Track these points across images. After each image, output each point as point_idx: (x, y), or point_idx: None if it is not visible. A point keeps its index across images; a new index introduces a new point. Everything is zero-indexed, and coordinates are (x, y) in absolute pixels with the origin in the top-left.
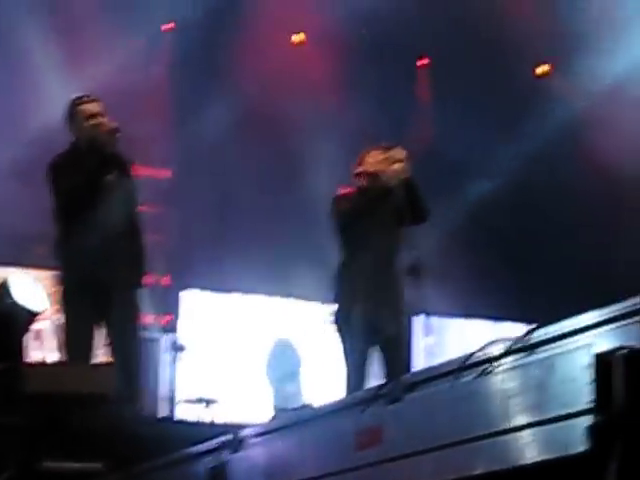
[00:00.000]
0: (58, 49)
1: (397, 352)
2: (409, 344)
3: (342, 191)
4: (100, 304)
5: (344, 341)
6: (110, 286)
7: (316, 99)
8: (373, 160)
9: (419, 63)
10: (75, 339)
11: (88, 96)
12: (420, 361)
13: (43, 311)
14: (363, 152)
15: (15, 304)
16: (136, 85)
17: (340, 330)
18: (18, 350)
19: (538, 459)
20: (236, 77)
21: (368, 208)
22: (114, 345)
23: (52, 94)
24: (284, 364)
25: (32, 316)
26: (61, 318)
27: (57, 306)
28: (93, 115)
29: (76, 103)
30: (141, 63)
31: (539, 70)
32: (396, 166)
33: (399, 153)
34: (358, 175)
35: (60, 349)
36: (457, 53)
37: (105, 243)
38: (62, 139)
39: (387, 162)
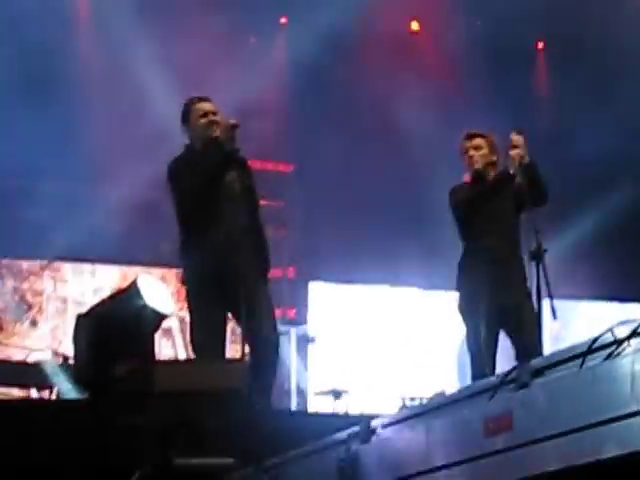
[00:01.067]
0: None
1: (527, 335)
2: (539, 328)
3: (457, 184)
4: (228, 299)
5: (469, 328)
6: (236, 281)
7: (430, 90)
8: (470, 152)
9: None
10: (205, 336)
11: (201, 96)
12: (547, 345)
13: (171, 314)
14: (461, 142)
15: (145, 306)
16: (258, 82)
17: (465, 317)
18: (149, 350)
19: None
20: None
21: (484, 196)
22: (248, 339)
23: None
24: None
25: (161, 318)
26: (190, 316)
27: (185, 304)
28: (207, 113)
29: (190, 103)
30: (260, 60)
31: None
32: (516, 152)
33: (517, 138)
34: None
35: (190, 346)
36: (573, 37)
37: (229, 239)
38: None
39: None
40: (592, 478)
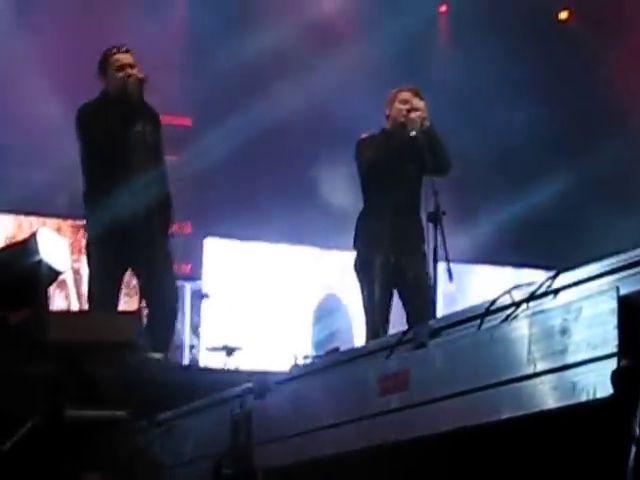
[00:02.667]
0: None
1: (421, 297)
2: (434, 290)
3: (366, 135)
4: (129, 253)
5: (364, 287)
6: (139, 234)
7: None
8: (400, 105)
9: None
10: (101, 288)
11: (120, 47)
12: (442, 308)
13: (65, 270)
14: (393, 92)
15: (41, 261)
16: (154, 34)
17: (360, 276)
18: (42, 301)
19: (562, 404)
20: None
21: (391, 156)
22: (147, 292)
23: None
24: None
25: (55, 274)
26: (88, 266)
27: (80, 255)
28: (124, 66)
29: (108, 54)
30: (159, 12)
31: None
32: (417, 114)
33: (418, 102)
34: (386, 117)
35: (87, 297)
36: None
37: (133, 190)
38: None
39: (410, 109)
40: (487, 439)
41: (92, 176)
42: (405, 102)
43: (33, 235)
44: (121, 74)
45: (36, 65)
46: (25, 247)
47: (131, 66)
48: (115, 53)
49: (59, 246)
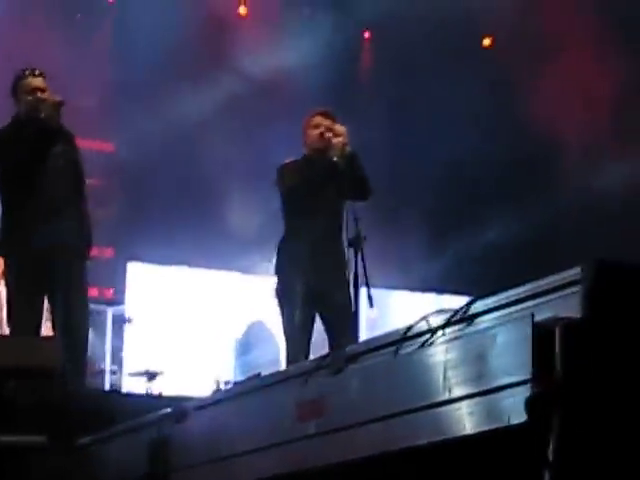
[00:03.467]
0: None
1: (343, 322)
2: (356, 316)
3: (288, 161)
4: (46, 276)
5: (285, 312)
6: (56, 258)
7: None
8: (313, 130)
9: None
10: (20, 313)
11: (33, 70)
12: (364, 333)
13: None
14: (306, 118)
15: None
16: (80, 59)
17: (281, 301)
18: None
19: (478, 430)
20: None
21: (312, 182)
22: (61, 317)
23: None
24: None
25: None
26: (6, 291)
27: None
28: (35, 89)
29: (20, 77)
30: (84, 36)
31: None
32: (338, 140)
33: (340, 127)
34: (304, 143)
35: (5, 323)
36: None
37: (50, 215)
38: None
39: (329, 134)
40: (403, 464)
41: (8, 200)
42: (317, 126)
43: None
44: (31, 98)
45: None
46: None
47: (42, 90)
48: (26, 76)
49: None
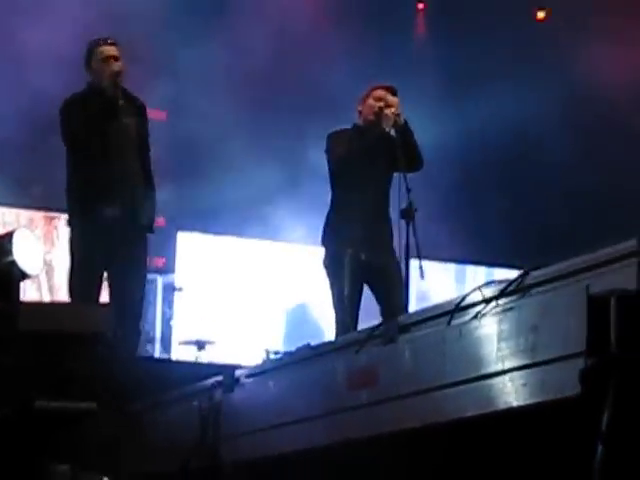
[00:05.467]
0: None
1: (393, 294)
2: (406, 287)
3: (338, 129)
4: (108, 246)
5: (334, 283)
6: (119, 228)
7: (320, 42)
8: (373, 102)
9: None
10: (81, 281)
11: (106, 39)
12: (414, 305)
13: (36, 275)
14: (367, 90)
15: (13, 262)
16: (131, 28)
17: (330, 272)
18: (14, 291)
19: (531, 402)
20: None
21: (363, 152)
22: (117, 286)
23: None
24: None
25: (24, 277)
26: (70, 258)
27: (52, 247)
28: (108, 57)
29: (93, 45)
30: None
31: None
32: (390, 110)
33: (392, 98)
34: (359, 112)
35: (67, 291)
36: None
37: (118, 185)
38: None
39: (384, 106)
40: (453, 436)
41: (74, 170)
42: (379, 99)
43: (9, 235)
44: (101, 65)
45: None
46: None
47: (115, 58)
48: (100, 45)
49: (33, 250)
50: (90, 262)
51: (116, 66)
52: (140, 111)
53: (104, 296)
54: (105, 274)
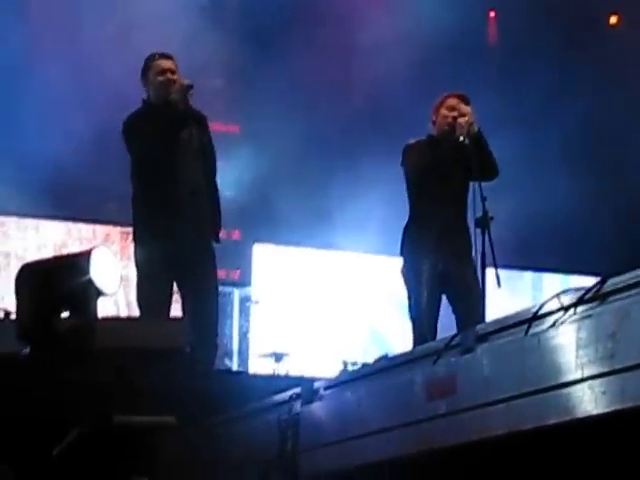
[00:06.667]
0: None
1: (471, 301)
2: (483, 296)
3: (413, 141)
4: (176, 260)
5: (412, 292)
6: (186, 242)
7: (388, 57)
8: (447, 112)
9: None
10: (150, 296)
11: (163, 53)
12: (492, 313)
13: (112, 294)
14: (440, 98)
15: (90, 281)
16: (203, 42)
17: (408, 281)
18: (91, 307)
19: (611, 409)
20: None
21: (439, 162)
22: (190, 301)
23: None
24: None
25: (101, 295)
26: (137, 273)
27: (129, 262)
28: (165, 71)
29: (150, 59)
30: (208, 19)
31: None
32: (464, 119)
33: (465, 107)
34: (433, 123)
35: (136, 304)
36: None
37: (184, 199)
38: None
39: (457, 115)
40: (534, 444)
41: (141, 183)
42: (452, 109)
43: (87, 253)
44: (162, 78)
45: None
46: (77, 263)
47: (172, 71)
48: (157, 59)
49: (111, 268)
50: (156, 277)
51: (187, 80)
52: (201, 122)
53: (175, 310)
54: (176, 288)
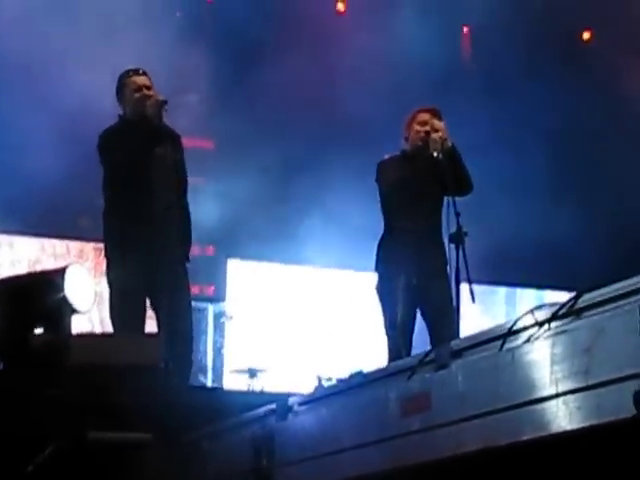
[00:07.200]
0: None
1: (445, 318)
2: (457, 311)
3: (387, 157)
4: (148, 276)
5: (386, 308)
6: (159, 259)
7: (360, 71)
8: (419, 127)
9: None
10: (123, 313)
11: (137, 70)
12: (466, 329)
13: (86, 312)
14: (412, 114)
15: (64, 298)
16: (178, 57)
17: (382, 297)
18: (65, 324)
19: (585, 424)
20: (279, 47)
21: (413, 178)
22: (165, 316)
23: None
24: None
25: (75, 313)
26: (109, 289)
27: (102, 278)
28: (141, 87)
29: (125, 76)
30: (183, 35)
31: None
32: (437, 135)
33: (438, 122)
34: (405, 139)
35: (110, 321)
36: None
37: (153, 212)
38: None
39: (430, 129)
40: (508, 460)
41: (114, 196)
42: (424, 123)
43: (62, 270)
44: (138, 95)
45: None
46: (51, 281)
47: (147, 87)
48: (131, 75)
49: (85, 286)
50: (129, 293)
51: (162, 95)
52: (175, 140)
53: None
54: (149, 304)
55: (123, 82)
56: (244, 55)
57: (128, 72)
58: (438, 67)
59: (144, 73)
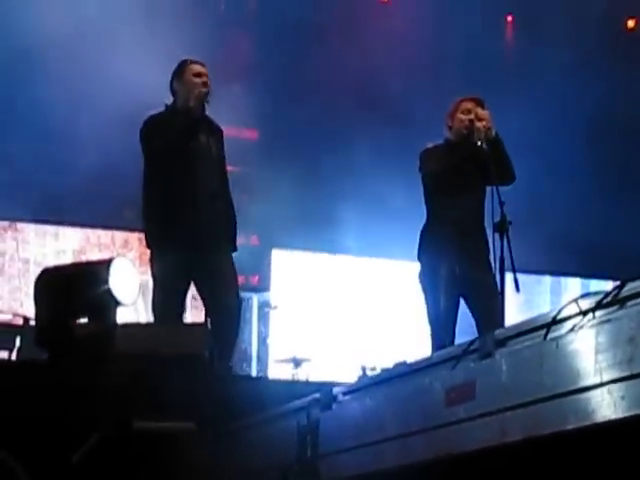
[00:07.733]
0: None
1: (489, 308)
2: (502, 301)
3: (430, 146)
4: (193, 266)
5: (429, 297)
6: (204, 248)
7: (403, 59)
8: (463, 115)
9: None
10: (165, 301)
11: (195, 60)
12: (511, 318)
13: (130, 305)
14: (455, 103)
15: (109, 290)
16: (223, 47)
17: (425, 286)
18: (111, 313)
19: (630, 414)
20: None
21: (456, 167)
22: (212, 307)
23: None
24: None
25: (118, 305)
26: (152, 278)
27: (148, 268)
28: (201, 74)
29: (187, 62)
30: (227, 25)
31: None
32: (481, 124)
33: (482, 111)
34: (449, 128)
35: (152, 310)
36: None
37: (198, 202)
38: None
39: (474, 118)
40: (552, 449)
41: (154, 187)
42: (468, 112)
43: (107, 263)
44: (198, 80)
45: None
46: (97, 273)
47: (206, 75)
48: (193, 63)
49: (130, 279)
50: (172, 284)
51: (206, 88)
52: (218, 132)
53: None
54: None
55: (183, 68)
56: (288, 44)
57: (188, 59)
58: (482, 56)
59: (202, 63)
